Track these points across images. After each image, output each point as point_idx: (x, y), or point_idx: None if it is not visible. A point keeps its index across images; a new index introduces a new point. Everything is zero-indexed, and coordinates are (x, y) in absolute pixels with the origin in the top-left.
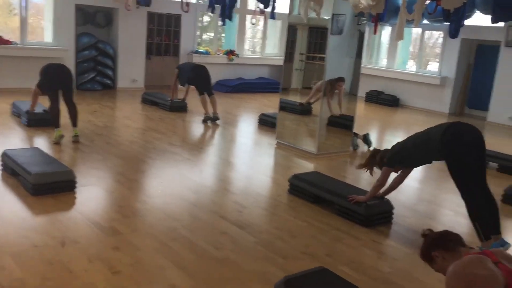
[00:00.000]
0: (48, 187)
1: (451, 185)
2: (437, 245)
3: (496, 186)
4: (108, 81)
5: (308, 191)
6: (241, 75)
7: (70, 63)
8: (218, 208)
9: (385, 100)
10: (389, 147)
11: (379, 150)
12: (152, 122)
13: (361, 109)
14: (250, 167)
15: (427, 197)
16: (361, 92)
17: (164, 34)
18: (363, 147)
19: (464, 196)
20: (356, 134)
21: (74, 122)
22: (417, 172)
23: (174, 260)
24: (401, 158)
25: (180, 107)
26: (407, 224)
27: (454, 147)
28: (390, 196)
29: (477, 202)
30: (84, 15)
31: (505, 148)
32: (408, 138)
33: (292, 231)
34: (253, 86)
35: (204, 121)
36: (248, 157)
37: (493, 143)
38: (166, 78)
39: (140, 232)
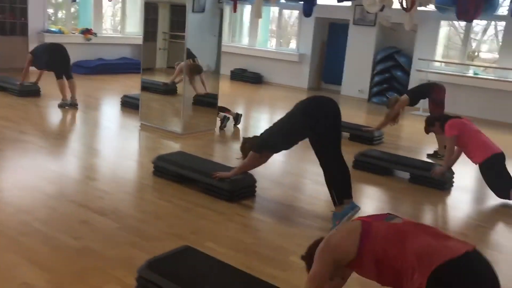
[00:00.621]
0: None
1: (310, 156)
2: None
3: (348, 154)
4: None
5: (172, 171)
6: (101, 55)
7: None
8: (79, 197)
9: (249, 78)
10: (257, 134)
11: (249, 138)
12: None
13: (226, 87)
14: (114, 151)
15: (289, 169)
16: (226, 70)
17: (8, 11)
18: (230, 125)
19: (323, 165)
20: (226, 110)
21: None
22: None
23: (26, 255)
24: (270, 145)
25: (32, 92)
26: (270, 196)
27: (314, 119)
28: (255, 170)
29: (333, 170)
30: None
31: (355, 118)
32: (274, 124)
33: (156, 213)
34: (115, 66)
35: (61, 106)
36: (112, 142)
37: (345, 114)
38: (14, 60)
39: None
